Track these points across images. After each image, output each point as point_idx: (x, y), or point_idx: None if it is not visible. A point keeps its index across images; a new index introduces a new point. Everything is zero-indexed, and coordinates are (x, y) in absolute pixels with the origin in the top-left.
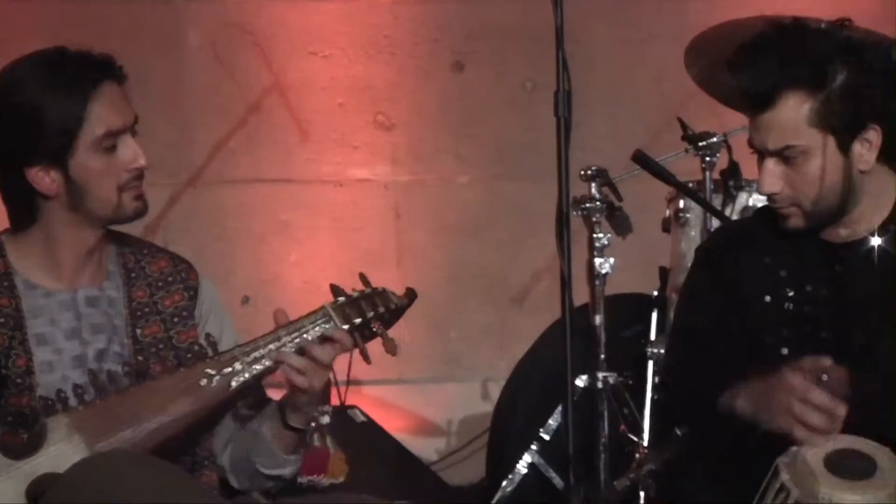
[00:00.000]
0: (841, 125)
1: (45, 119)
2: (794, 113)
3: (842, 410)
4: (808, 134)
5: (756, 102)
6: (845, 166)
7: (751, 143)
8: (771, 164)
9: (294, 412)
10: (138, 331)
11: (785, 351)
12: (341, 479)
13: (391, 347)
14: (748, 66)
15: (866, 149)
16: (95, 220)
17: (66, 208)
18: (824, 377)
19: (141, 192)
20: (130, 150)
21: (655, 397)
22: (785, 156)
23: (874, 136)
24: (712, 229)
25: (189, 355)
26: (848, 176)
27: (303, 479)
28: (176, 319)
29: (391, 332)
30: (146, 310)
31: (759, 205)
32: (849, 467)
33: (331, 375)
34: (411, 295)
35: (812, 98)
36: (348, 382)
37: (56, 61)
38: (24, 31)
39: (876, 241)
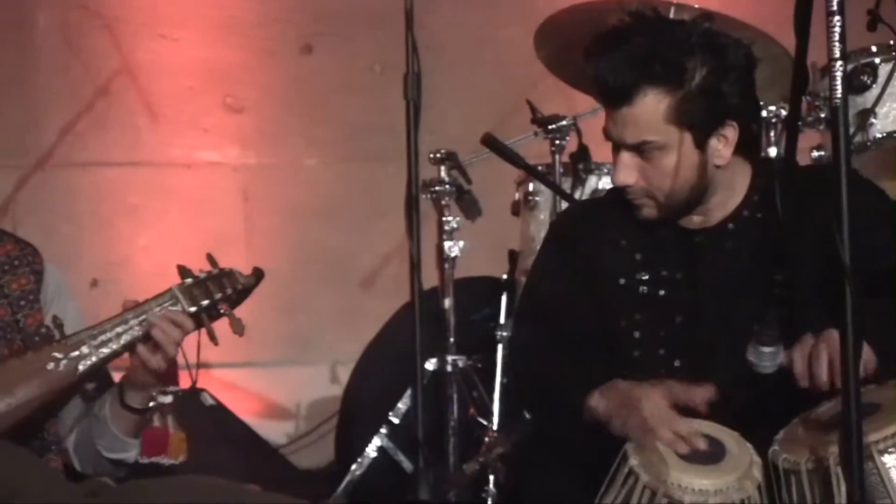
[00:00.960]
0: (698, 122)
1: None
2: (651, 109)
3: (700, 442)
4: (665, 130)
5: (614, 97)
6: (701, 161)
7: (606, 134)
8: (626, 156)
9: (133, 391)
10: None
11: (637, 335)
12: (181, 459)
13: (238, 328)
14: (607, 60)
15: (723, 144)
16: None
17: None
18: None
19: None
20: None
21: (504, 381)
22: (641, 150)
23: (731, 132)
24: (562, 210)
25: (36, 338)
26: (703, 171)
27: (144, 459)
28: (22, 303)
29: (239, 313)
30: None
31: (606, 186)
32: (698, 452)
33: (180, 357)
34: (258, 274)
35: (670, 95)
36: (198, 365)
37: None
38: None
39: (730, 227)
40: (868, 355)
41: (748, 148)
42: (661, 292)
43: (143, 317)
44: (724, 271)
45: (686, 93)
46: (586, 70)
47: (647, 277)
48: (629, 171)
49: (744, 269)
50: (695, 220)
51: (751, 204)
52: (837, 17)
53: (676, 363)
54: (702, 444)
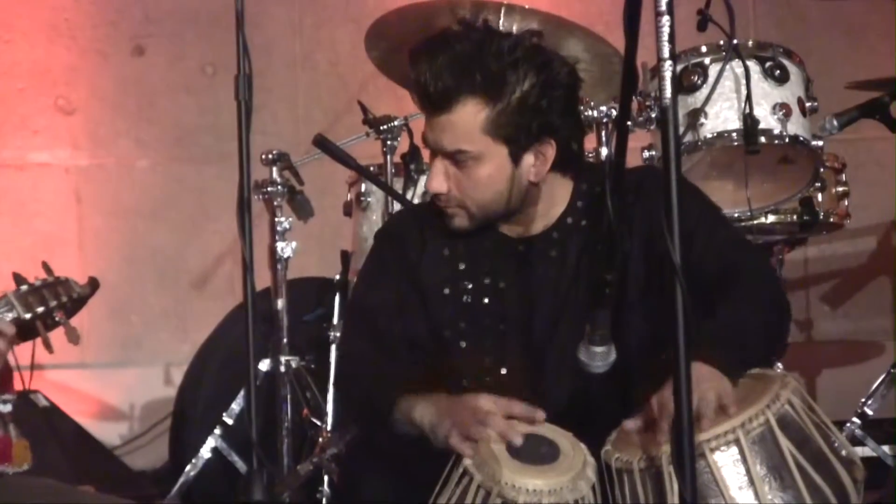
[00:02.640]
0: (514, 137)
1: None
2: (469, 119)
3: (518, 439)
4: (481, 141)
5: (433, 102)
6: (515, 176)
7: (424, 140)
8: (441, 164)
9: None
10: None
11: (464, 344)
12: (26, 467)
13: (73, 337)
14: (429, 66)
15: (540, 161)
16: None
17: None
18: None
19: None
20: None
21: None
22: (456, 159)
23: (549, 150)
24: (394, 212)
25: None
26: (518, 185)
27: None
28: None
29: (73, 320)
30: None
31: None
32: (531, 452)
33: (12, 360)
34: (94, 284)
35: (489, 106)
36: (32, 367)
37: None
38: None
39: (554, 235)
40: (724, 387)
41: (568, 164)
42: (486, 301)
43: None
44: (549, 279)
45: (505, 106)
46: (410, 73)
47: (470, 287)
48: (442, 179)
49: (570, 276)
50: (518, 229)
51: (574, 211)
52: (666, 17)
53: (503, 371)
54: (518, 440)
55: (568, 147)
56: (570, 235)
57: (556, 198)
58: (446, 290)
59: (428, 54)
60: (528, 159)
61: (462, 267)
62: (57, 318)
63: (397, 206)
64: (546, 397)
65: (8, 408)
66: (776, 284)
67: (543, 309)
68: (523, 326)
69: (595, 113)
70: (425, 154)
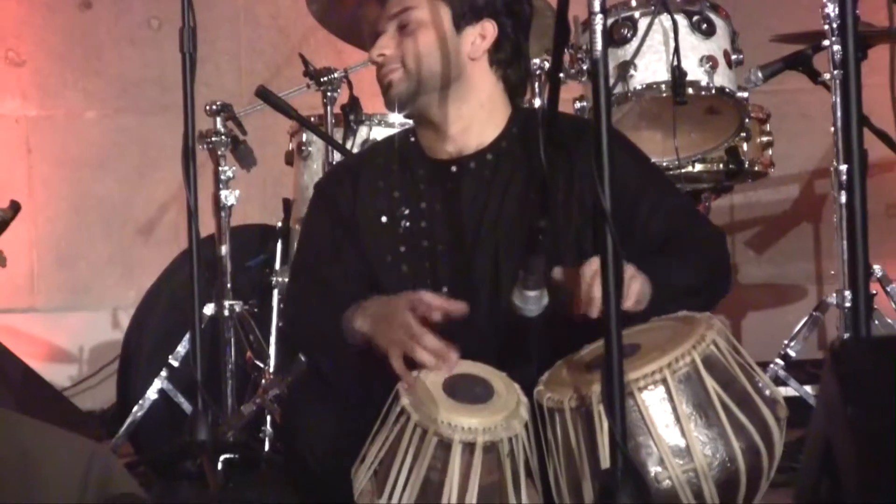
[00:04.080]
0: (458, 4)
1: None
2: None
3: (454, 355)
4: (426, 4)
5: None
6: (456, 46)
7: (370, 26)
8: (388, 31)
9: None
10: None
11: (405, 268)
12: None
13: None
14: None
15: (479, 39)
16: None
17: None
18: (436, 316)
19: None
20: None
21: (280, 324)
22: (402, 22)
23: (489, 30)
24: (334, 162)
25: None
26: (456, 56)
27: None
28: None
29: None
30: None
31: (379, 138)
32: (466, 392)
33: None
34: (15, 206)
35: None
36: None
37: None
38: None
39: (488, 157)
40: (645, 287)
41: (507, 70)
42: (423, 224)
43: None
44: (480, 200)
45: None
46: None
47: (407, 212)
48: (387, 41)
49: (500, 199)
50: (450, 151)
51: (510, 136)
52: None
53: (444, 290)
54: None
55: (506, 41)
56: (503, 160)
57: (494, 112)
58: (384, 219)
59: None
60: (470, 33)
61: (397, 195)
62: None
63: (338, 156)
64: (483, 329)
65: None
66: (724, 250)
67: (475, 229)
68: (458, 246)
69: (531, 64)
70: (364, 106)
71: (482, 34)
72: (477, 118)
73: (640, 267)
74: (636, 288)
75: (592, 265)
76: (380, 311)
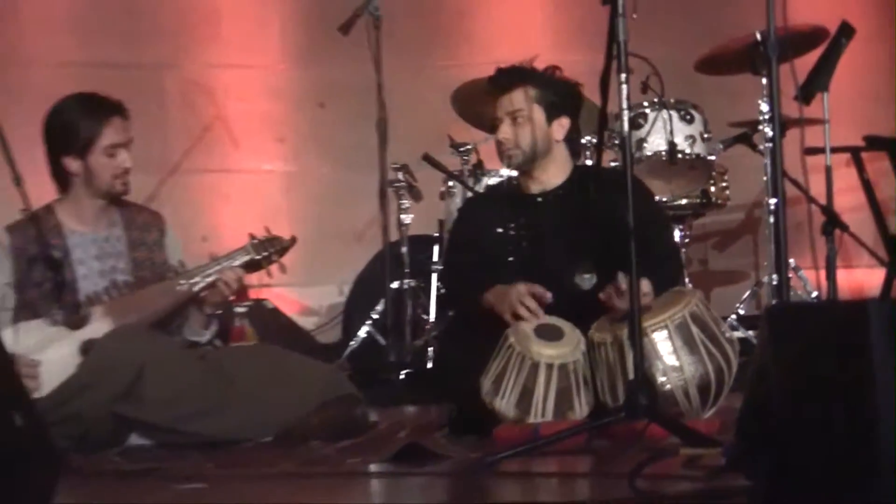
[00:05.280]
0: (549, 107)
1: (77, 130)
2: (521, 95)
3: (541, 312)
4: (530, 107)
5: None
6: (546, 131)
7: (495, 117)
8: (507, 121)
9: (209, 305)
10: (134, 255)
11: (511, 259)
12: (254, 343)
13: (282, 268)
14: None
15: (561, 127)
16: (99, 193)
17: (84, 184)
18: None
19: (126, 179)
20: (122, 157)
21: (439, 291)
22: (513, 118)
23: (565, 123)
24: (468, 196)
25: (165, 268)
26: (547, 137)
27: (233, 345)
28: (155, 247)
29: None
30: (137, 243)
31: (494, 182)
32: (547, 334)
33: (252, 281)
34: (293, 240)
35: (537, 89)
36: (263, 285)
37: (87, 98)
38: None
39: (560, 192)
40: (647, 287)
41: (572, 147)
42: (522, 232)
43: (227, 261)
44: (553, 219)
45: (546, 90)
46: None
47: (512, 226)
48: (506, 129)
49: (567, 220)
50: (537, 189)
51: (572, 181)
52: (624, 85)
53: (534, 273)
54: (547, 321)
55: (573, 131)
56: (567, 195)
57: (564, 166)
58: (499, 230)
59: (500, 72)
60: (555, 124)
61: (505, 214)
62: (274, 258)
63: (468, 195)
64: (557, 297)
65: (244, 309)
66: (679, 259)
67: (550, 240)
68: (542, 246)
69: (584, 140)
70: (486, 164)
71: (561, 125)
72: (555, 171)
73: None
74: (648, 295)
75: (622, 283)
76: (499, 292)
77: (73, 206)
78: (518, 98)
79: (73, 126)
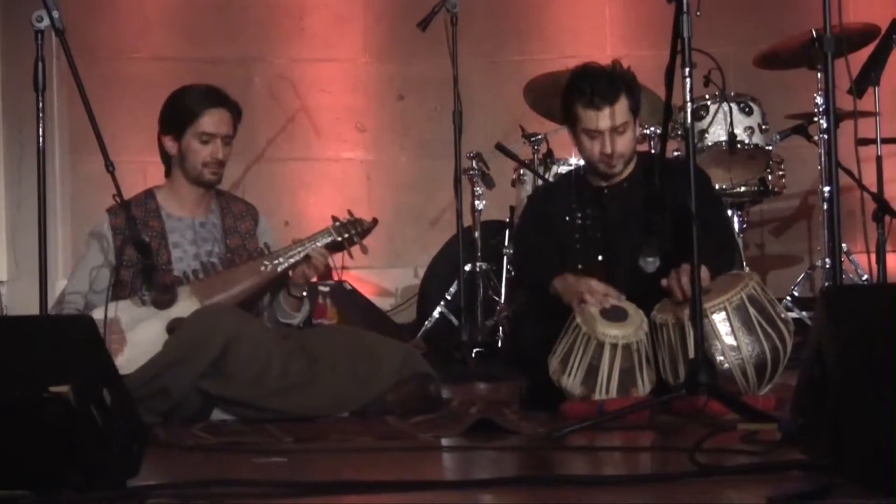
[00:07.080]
0: (636, 114)
1: (179, 111)
2: (624, 106)
3: (611, 299)
4: (629, 118)
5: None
6: (635, 136)
7: (593, 129)
8: (609, 136)
9: (295, 287)
10: (228, 241)
11: (578, 246)
12: (335, 321)
13: (364, 249)
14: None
15: (640, 127)
16: (190, 178)
17: (179, 167)
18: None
19: (216, 170)
20: (215, 147)
21: (509, 274)
22: (615, 129)
23: (638, 122)
24: (538, 184)
25: (255, 254)
26: (635, 141)
27: (316, 322)
28: (248, 235)
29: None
30: (232, 230)
31: (563, 170)
32: (612, 315)
33: (332, 263)
34: (375, 221)
35: (630, 99)
36: (343, 268)
37: (204, 87)
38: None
39: (625, 185)
40: (705, 273)
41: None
42: (588, 222)
43: (311, 243)
44: (619, 209)
45: (635, 100)
46: (574, 94)
47: (580, 215)
48: (618, 142)
49: (632, 210)
50: (603, 182)
51: (637, 172)
52: (688, 79)
53: (599, 258)
54: (612, 303)
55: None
56: (633, 187)
57: (630, 162)
58: (567, 218)
59: (594, 77)
60: (637, 128)
61: (574, 206)
62: (356, 240)
63: (538, 182)
64: (622, 281)
65: (327, 289)
66: (735, 243)
67: (616, 231)
68: (609, 233)
69: (648, 131)
70: (556, 153)
71: (640, 125)
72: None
73: (702, 260)
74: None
75: (685, 268)
76: (569, 282)
77: (173, 192)
78: (622, 110)
79: (178, 107)
